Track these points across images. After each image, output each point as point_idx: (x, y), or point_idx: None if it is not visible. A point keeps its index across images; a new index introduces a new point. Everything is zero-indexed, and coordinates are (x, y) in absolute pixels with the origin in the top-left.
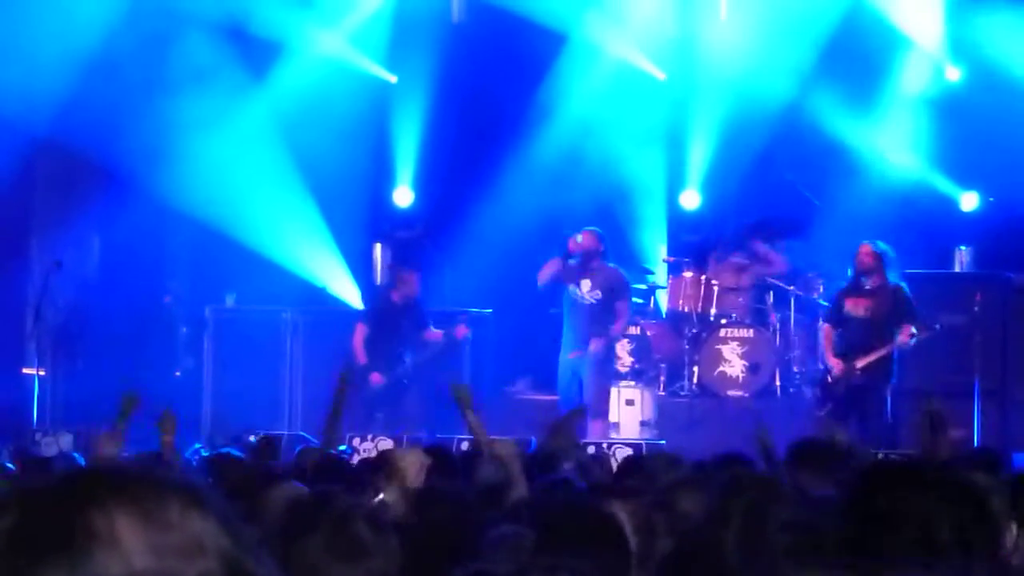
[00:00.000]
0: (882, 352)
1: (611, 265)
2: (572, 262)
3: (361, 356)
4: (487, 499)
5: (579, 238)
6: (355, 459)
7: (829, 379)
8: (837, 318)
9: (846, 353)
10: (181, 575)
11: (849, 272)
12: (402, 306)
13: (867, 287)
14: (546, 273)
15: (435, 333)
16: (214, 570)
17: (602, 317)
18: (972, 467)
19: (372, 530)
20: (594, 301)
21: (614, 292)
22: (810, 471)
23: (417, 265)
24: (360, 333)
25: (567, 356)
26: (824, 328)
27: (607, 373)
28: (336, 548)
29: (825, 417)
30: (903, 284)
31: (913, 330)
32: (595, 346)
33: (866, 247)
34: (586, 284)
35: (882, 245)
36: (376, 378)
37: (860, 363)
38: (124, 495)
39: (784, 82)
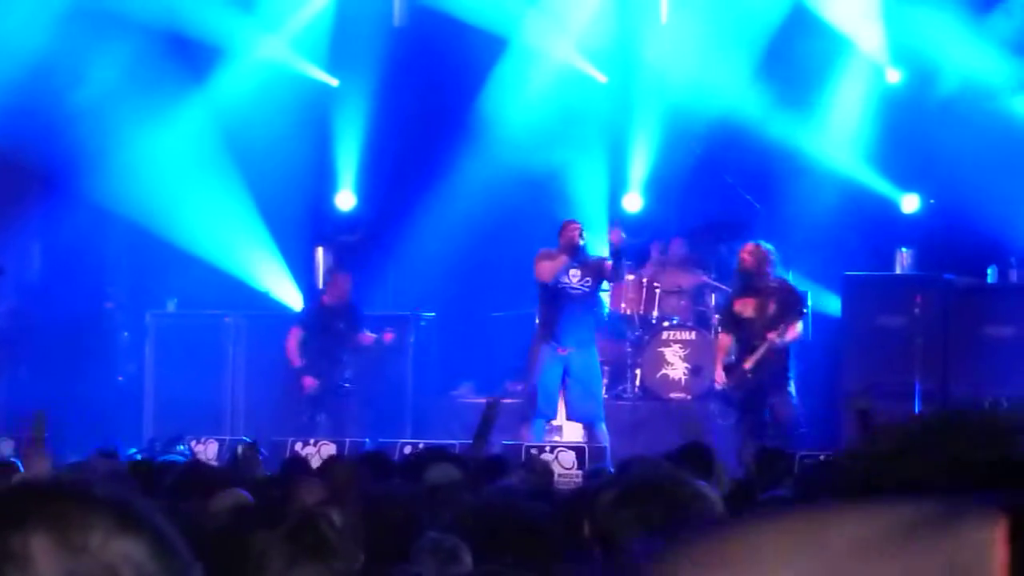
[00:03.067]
0: (761, 351)
1: (593, 254)
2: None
3: (295, 359)
4: (429, 503)
5: (582, 236)
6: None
7: (720, 388)
8: (730, 322)
9: (741, 356)
10: None
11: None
12: (335, 308)
13: (753, 287)
14: (553, 272)
15: (368, 337)
16: None
17: (592, 306)
18: None
19: (335, 531)
20: (586, 290)
21: (601, 279)
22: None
23: (350, 268)
24: (294, 337)
25: (555, 352)
26: (720, 338)
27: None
28: (303, 547)
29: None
30: (788, 280)
31: (799, 326)
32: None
33: (746, 246)
34: (575, 274)
35: (763, 244)
36: (309, 382)
37: (747, 364)
38: (45, 516)
39: (725, 85)
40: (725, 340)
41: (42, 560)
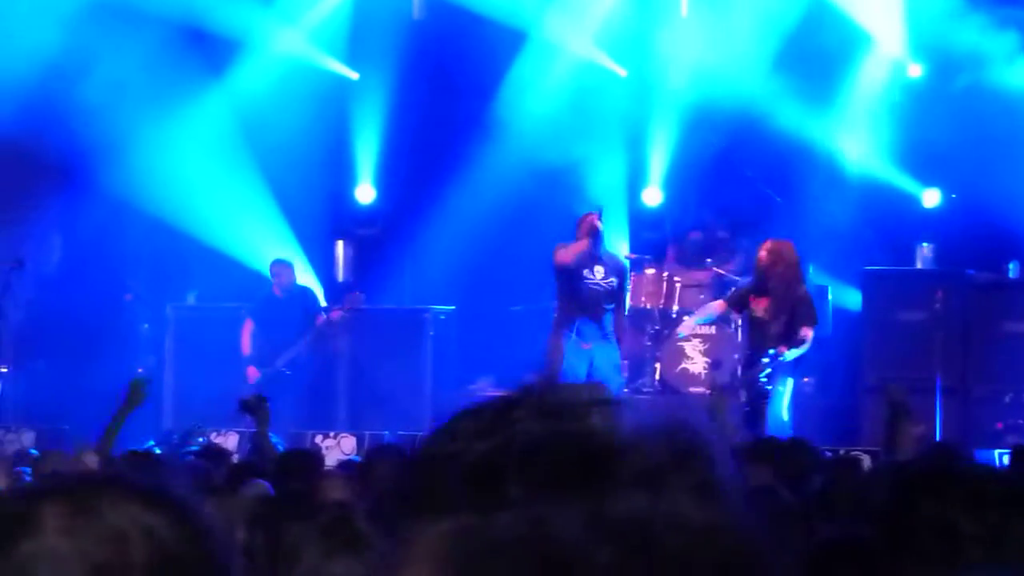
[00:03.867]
0: (772, 362)
1: (612, 252)
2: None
3: (245, 349)
4: None
5: (600, 220)
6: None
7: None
8: (737, 305)
9: (754, 357)
10: (94, 557)
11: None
12: (283, 299)
13: (768, 288)
14: (574, 255)
15: (321, 319)
16: (137, 558)
17: (613, 304)
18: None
19: (366, 525)
20: (608, 287)
21: (622, 278)
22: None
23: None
24: (247, 328)
25: (580, 346)
26: (716, 303)
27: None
28: (336, 542)
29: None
30: (806, 285)
31: (808, 337)
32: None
33: (765, 243)
34: (599, 270)
35: (781, 242)
36: (251, 372)
37: (758, 370)
38: (60, 491)
39: (745, 79)
40: (719, 305)
41: (51, 523)
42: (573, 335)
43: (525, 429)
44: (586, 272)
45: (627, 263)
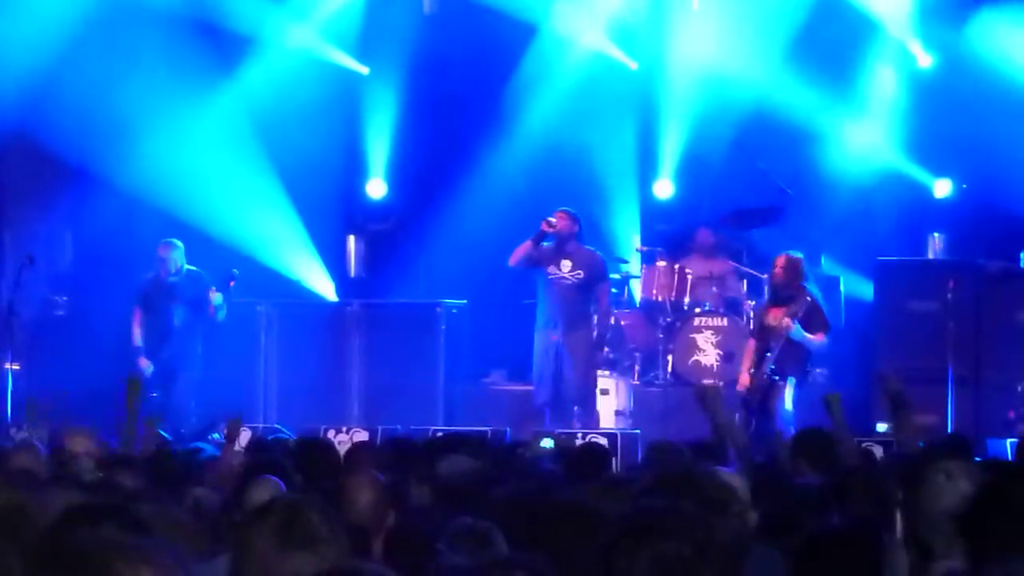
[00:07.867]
0: (778, 350)
1: (589, 248)
2: (546, 244)
3: (135, 339)
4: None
5: (552, 220)
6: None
7: (740, 391)
8: (759, 331)
9: (759, 355)
10: None
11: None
12: (169, 284)
13: (783, 297)
14: (517, 255)
15: (212, 308)
16: None
17: (583, 297)
18: (945, 453)
19: (322, 520)
20: (576, 280)
21: (594, 273)
22: (808, 461)
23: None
24: (136, 317)
25: (549, 338)
26: (748, 343)
27: (594, 362)
28: (288, 538)
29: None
30: (816, 292)
31: (822, 339)
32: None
33: (779, 259)
34: (566, 264)
35: (794, 254)
36: (142, 362)
37: (764, 366)
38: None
39: (756, 71)
40: (752, 345)
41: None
42: (544, 328)
43: None
44: (551, 268)
45: (602, 259)
